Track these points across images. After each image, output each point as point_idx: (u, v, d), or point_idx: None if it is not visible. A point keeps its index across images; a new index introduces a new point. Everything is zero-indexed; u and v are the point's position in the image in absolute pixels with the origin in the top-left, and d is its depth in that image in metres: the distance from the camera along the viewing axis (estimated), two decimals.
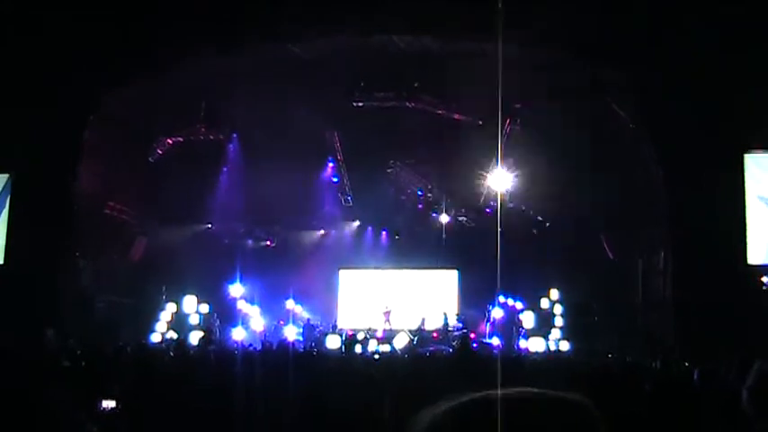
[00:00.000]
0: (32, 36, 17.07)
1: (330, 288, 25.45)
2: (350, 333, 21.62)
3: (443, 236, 24.66)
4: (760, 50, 15.78)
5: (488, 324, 23.22)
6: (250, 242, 25.11)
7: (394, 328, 23.27)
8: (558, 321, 22.45)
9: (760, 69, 15.90)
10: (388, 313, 24.00)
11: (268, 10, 17.21)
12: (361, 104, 21.88)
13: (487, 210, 24.37)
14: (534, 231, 24.01)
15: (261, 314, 23.52)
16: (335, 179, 25.03)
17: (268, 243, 25.53)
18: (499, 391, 1.14)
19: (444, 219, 24.70)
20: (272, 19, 17.55)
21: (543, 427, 1.09)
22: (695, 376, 6.25)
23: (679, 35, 16.25)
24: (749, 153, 17.73)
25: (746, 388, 3.29)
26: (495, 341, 21.57)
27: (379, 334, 22.89)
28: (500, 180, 21.98)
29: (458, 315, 23.38)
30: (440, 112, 22.02)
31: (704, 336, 14.55)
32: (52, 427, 1.43)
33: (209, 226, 24.45)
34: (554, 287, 22.75)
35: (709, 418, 4.53)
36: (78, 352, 9.99)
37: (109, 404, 4.79)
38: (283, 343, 13.18)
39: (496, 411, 1.11)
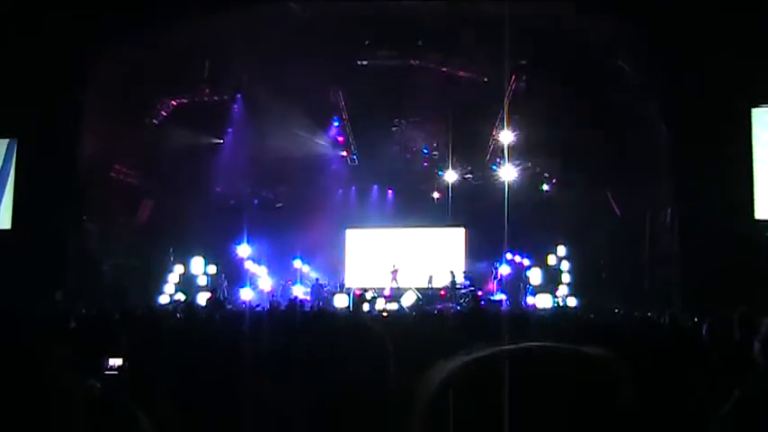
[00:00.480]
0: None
1: (337, 247, 25.50)
2: (357, 292, 21.72)
3: (450, 194, 24.63)
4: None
5: (495, 281, 23.32)
6: (256, 202, 25.07)
7: (401, 286, 23.37)
8: (566, 278, 22.50)
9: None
10: (395, 272, 24.08)
11: None
12: (365, 63, 21.70)
13: (494, 167, 24.30)
14: (541, 188, 23.97)
15: (268, 274, 23.62)
16: (341, 138, 24.92)
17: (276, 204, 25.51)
18: (518, 345, 1.10)
19: (451, 177, 24.61)
20: None
21: (563, 380, 1.06)
22: (704, 331, 6.23)
23: None
24: (757, 108, 17.55)
25: (759, 339, 3.26)
26: (503, 298, 21.67)
27: (387, 292, 23.00)
28: (506, 137, 21.91)
29: (465, 273, 23.44)
30: (444, 70, 21.83)
31: (712, 291, 14.51)
32: (54, 384, 1.41)
33: (216, 188, 24.37)
34: (561, 244, 22.76)
35: (719, 372, 4.52)
36: (86, 313, 10.03)
37: (116, 362, 4.81)
38: (293, 301, 13.19)
39: (516, 365, 1.07)
